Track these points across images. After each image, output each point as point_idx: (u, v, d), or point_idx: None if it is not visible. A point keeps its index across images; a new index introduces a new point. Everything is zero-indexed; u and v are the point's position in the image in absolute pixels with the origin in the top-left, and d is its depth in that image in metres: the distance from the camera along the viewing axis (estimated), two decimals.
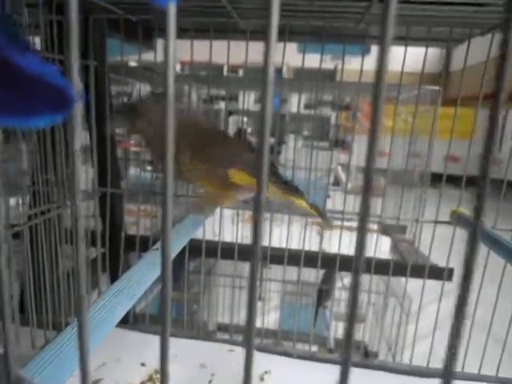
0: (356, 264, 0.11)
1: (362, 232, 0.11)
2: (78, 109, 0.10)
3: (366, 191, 0.13)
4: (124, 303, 0.27)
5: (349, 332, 0.12)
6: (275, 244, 0.87)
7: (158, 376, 0.57)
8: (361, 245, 0.11)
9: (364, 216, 0.13)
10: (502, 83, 0.11)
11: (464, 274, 0.11)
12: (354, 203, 1.13)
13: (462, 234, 0.62)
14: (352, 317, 0.12)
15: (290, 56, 0.99)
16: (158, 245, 0.39)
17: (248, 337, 0.14)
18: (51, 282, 0.61)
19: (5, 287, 0.14)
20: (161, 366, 0.13)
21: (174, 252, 0.40)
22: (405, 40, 0.59)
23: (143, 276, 0.31)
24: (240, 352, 0.61)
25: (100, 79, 0.65)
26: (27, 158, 0.66)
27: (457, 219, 0.57)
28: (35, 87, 0.09)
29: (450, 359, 0.11)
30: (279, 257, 0.79)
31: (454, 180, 0.85)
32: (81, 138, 0.11)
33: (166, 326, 0.13)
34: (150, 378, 0.56)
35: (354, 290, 0.11)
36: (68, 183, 0.60)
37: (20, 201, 0.61)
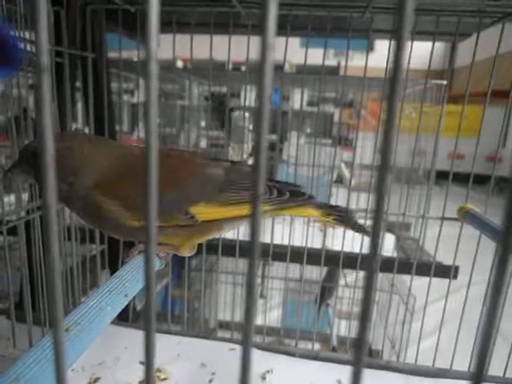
0: (369, 265, 0.10)
1: (375, 230, 0.10)
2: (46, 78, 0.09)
3: (380, 188, 0.11)
4: (116, 303, 0.26)
5: (361, 333, 0.11)
6: (277, 241, 0.86)
7: (158, 375, 0.56)
8: (374, 244, 0.10)
9: (377, 215, 0.11)
10: None
11: (493, 291, 0.10)
12: (357, 200, 1.12)
13: (468, 232, 0.60)
14: (365, 319, 0.10)
15: (293, 52, 0.98)
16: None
17: (246, 337, 0.13)
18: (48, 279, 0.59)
19: None
20: (145, 362, 0.12)
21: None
22: (411, 34, 0.57)
23: (137, 274, 0.29)
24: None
25: (99, 72, 0.64)
26: None
27: (464, 215, 0.56)
28: None
29: (479, 365, 0.10)
30: (281, 254, 0.77)
31: (457, 177, 0.83)
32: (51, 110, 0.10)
33: (151, 320, 0.12)
34: None
35: (368, 290, 0.10)
36: None
37: (20, 197, 0.60)
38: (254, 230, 0.10)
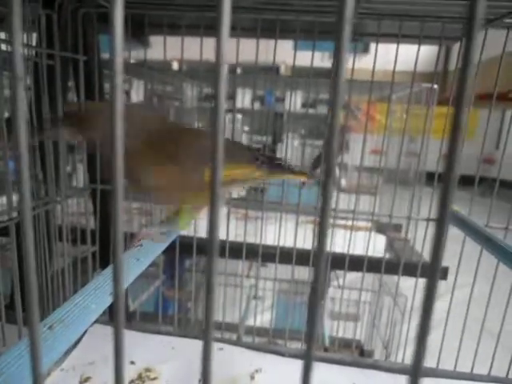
0: (317, 255, 0.11)
1: (322, 223, 0.11)
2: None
3: (327, 180, 0.12)
4: (101, 301, 0.27)
5: (311, 325, 0.11)
6: (270, 242, 0.86)
7: (148, 374, 0.56)
8: (321, 236, 0.11)
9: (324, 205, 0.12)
10: (465, 82, 0.11)
11: (431, 267, 0.11)
12: (348, 202, 1.13)
13: (456, 233, 0.62)
14: (315, 307, 0.11)
15: (288, 55, 0.99)
16: (142, 241, 0.39)
17: (207, 326, 0.14)
18: (39, 280, 0.60)
19: None
20: (115, 361, 0.13)
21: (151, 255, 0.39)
22: (397, 37, 0.58)
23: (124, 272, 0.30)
24: (230, 350, 0.61)
25: (90, 75, 0.65)
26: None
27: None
28: None
29: (417, 357, 0.11)
30: (273, 255, 0.78)
31: None
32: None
33: (120, 319, 0.12)
34: (140, 377, 0.55)
35: (316, 281, 0.11)
36: (57, 179, 0.59)
37: (11, 198, 0.60)
38: (213, 222, 0.11)
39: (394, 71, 0.58)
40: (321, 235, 0.10)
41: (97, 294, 0.27)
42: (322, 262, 0.11)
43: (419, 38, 0.55)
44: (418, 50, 0.57)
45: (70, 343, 0.23)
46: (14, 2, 0.10)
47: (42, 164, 0.57)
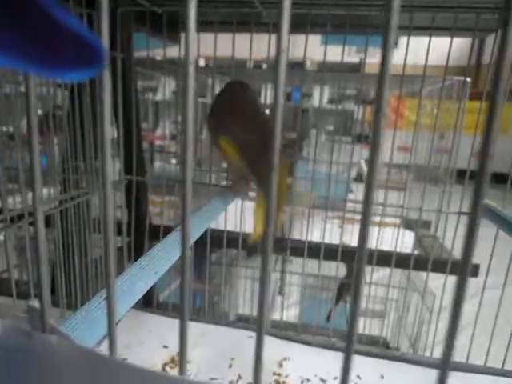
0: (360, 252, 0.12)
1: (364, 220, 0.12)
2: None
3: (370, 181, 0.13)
4: (147, 278, 0.29)
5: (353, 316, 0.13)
6: (296, 237, 0.87)
7: None
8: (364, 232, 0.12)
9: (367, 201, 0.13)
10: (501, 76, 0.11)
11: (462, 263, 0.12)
12: (376, 198, 1.11)
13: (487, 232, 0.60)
14: (357, 300, 0.12)
15: (314, 50, 0.99)
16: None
17: (260, 320, 0.15)
18: (80, 267, 0.63)
19: (41, 244, 0.16)
20: (180, 347, 0.14)
21: (193, 236, 0.41)
22: (429, 30, 0.58)
23: (166, 253, 0.32)
24: None
25: (127, 72, 0.67)
26: (58, 148, 0.69)
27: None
28: (71, 42, 0.10)
29: (447, 350, 0.12)
30: (299, 249, 0.79)
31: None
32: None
33: (185, 306, 0.14)
34: (172, 360, 0.58)
35: (358, 276, 0.12)
36: (96, 171, 0.63)
37: (51, 191, 0.64)
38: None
39: (425, 65, 0.57)
40: (363, 231, 0.11)
41: (143, 272, 0.29)
42: (363, 260, 0.12)
43: (452, 31, 0.54)
44: (451, 42, 0.56)
45: (120, 315, 0.25)
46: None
47: (83, 156, 0.61)
